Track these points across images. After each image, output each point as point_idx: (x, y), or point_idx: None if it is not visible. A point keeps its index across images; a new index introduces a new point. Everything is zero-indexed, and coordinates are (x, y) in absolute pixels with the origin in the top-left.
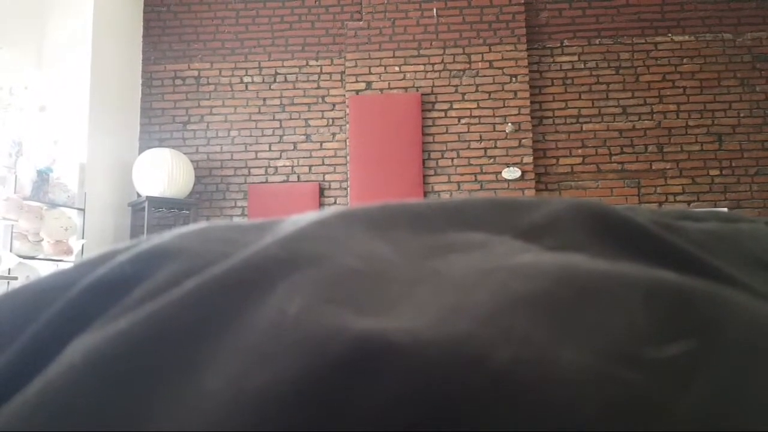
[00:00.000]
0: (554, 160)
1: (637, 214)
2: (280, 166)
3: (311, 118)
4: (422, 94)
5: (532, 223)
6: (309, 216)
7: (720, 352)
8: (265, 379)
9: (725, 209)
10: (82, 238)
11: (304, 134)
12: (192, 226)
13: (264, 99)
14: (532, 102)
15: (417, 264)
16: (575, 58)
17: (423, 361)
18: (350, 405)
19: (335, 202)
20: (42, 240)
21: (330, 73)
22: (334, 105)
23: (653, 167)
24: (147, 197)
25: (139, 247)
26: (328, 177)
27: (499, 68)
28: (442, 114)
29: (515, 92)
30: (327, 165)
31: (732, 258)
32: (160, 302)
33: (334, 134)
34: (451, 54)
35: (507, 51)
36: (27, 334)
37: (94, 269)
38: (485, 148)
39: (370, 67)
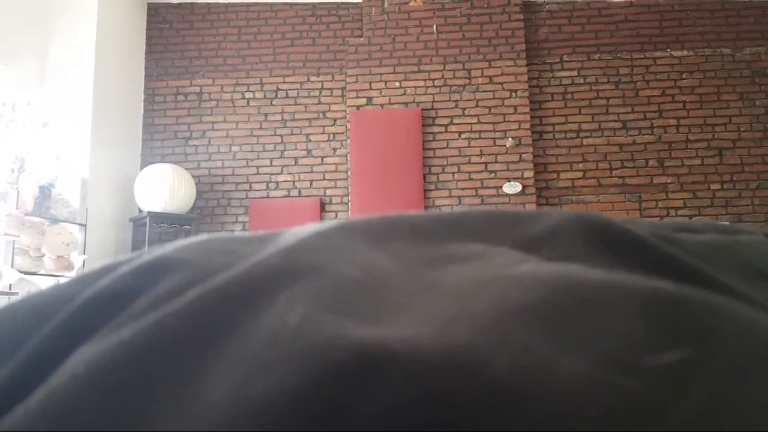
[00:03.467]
0: (555, 175)
1: (637, 226)
2: (282, 181)
3: (312, 134)
4: (423, 110)
5: (531, 235)
6: (310, 227)
7: (717, 360)
8: (265, 387)
9: (727, 223)
10: (84, 253)
11: (305, 149)
12: (194, 238)
13: (265, 114)
14: (532, 117)
15: (416, 274)
16: (575, 73)
17: (422, 370)
18: (350, 413)
19: (336, 217)
20: (43, 255)
21: (331, 89)
22: (335, 120)
23: (654, 181)
24: (148, 212)
25: (141, 259)
26: (329, 192)
27: (499, 83)
28: (443, 129)
29: (515, 107)
30: (328, 180)
31: (730, 269)
32: (162, 312)
33: (335, 149)
34: (451, 69)
35: (507, 66)
36: (30, 344)
37: (96, 281)
38: (486, 163)
39: (370, 82)
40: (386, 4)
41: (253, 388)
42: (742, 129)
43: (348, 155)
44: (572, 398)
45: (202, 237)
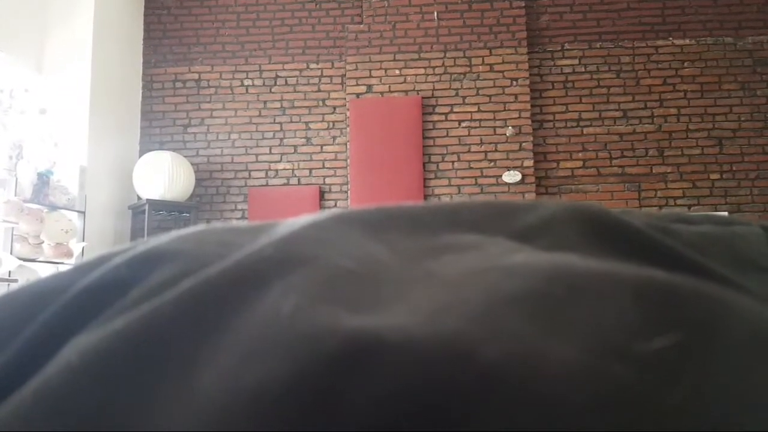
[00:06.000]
0: (555, 164)
1: (632, 216)
2: (281, 169)
3: (312, 122)
4: (423, 98)
5: (526, 225)
6: (304, 218)
7: (708, 346)
8: (259, 377)
9: (725, 213)
10: (83, 240)
11: (304, 137)
12: (188, 229)
13: (264, 102)
14: (532, 105)
15: (410, 265)
16: (576, 61)
17: (414, 358)
18: (343, 402)
19: (335, 205)
20: (42, 243)
21: (330, 77)
22: (334, 108)
23: (654, 171)
24: (147, 200)
25: (135, 250)
26: (328, 180)
27: (499, 72)
28: (443, 117)
29: (516, 96)
30: (327, 168)
31: (725, 260)
32: (156, 303)
33: (334, 137)
34: (452, 57)
35: (507, 54)
36: (25, 334)
37: (91, 271)
38: (486, 152)
39: (370, 70)
40: None
41: (246, 377)
42: (742, 119)
43: (347, 143)
44: (563, 385)
45: (197, 227)
